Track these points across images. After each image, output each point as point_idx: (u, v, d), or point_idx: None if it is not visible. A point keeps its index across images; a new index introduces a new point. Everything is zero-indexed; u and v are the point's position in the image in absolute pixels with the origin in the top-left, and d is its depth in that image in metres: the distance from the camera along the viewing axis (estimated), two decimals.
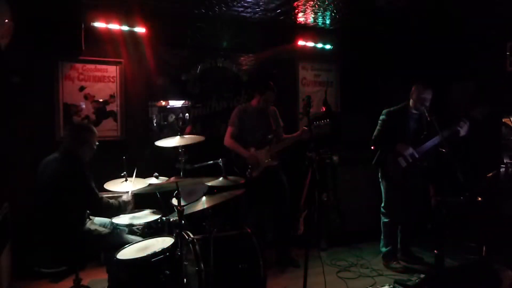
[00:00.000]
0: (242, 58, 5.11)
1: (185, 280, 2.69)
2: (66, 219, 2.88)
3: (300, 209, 4.40)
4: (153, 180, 3.42)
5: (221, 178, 3.12)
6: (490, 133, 4.55)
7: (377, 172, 4.03)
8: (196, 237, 2.96)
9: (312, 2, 4.33)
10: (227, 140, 4.05)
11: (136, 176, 3.35)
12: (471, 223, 4.23)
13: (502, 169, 4.38)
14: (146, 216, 3.38)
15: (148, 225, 3.25)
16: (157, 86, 4.67)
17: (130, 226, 3.18)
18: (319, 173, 3.58)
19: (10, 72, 3.85)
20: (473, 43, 4.85)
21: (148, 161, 3.67)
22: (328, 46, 5.47)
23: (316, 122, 3.99)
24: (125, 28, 4.40)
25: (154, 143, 3.26)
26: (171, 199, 3.03)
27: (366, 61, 5.41)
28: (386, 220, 4.02)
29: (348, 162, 4.78)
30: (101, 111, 4.45)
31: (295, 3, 4.35)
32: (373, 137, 3.95)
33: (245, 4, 4.36)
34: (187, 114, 4.81)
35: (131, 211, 3.50)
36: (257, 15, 4.73)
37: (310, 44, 5.36)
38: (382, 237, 4.08)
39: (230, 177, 3.17)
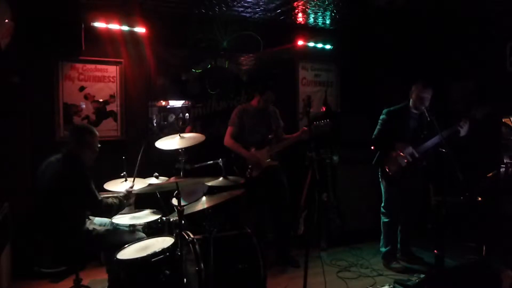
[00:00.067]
0: (242, 58, 5.11)
1: (185, 280, 2.69)
2: (66, 219, 2.89)
3: (300, 209, 4.40)
4: (153, 180, 3.43)
5: (221, 178, 3.12)
6: (490, 133, 4.55)
7: (377, 172, 4.03)
8: (196, 237, 2.96)
9: (312, 2, 4.33)
10: (227, 140, 4.05)
11: (136, 176, 3.35)
12: (471, 223, 4.23)
13: (502, 169, 4.38)
14: (146, 216, 3.38)
15: (148, 225, 3.25)
16: (157, 86, 4.67)
17: (130, 226, 3.18)
18: (319, 173, 3.57)
19: (10, 72, 3.86)
20: (473, 43, 4.85)
21: (147, 161, 3.67)
22: (328, 46, 5.47)
23: (316, 122, 3.99)
24: (125, 28, 4.40)
25: (154, 143, 3.25)
26: (171, 199, 3.03)
27: (366, 61, 5.41)
28: (386, 220, 4.02)
29: (348, 162, 4.79)
30: (101, 111, 4.45)
31: (295, 3, 4.35)
32: (373, 137, 3.95)
33: (245, 4, 4.36)
34: (187, 114, 4.81)
35: (131, 211, 3.51)
36: (257, 15, 4.73)
37: (310, 44, 5.36)
38: (382, 237, 4.08)
39: (230, 177, 3.17)
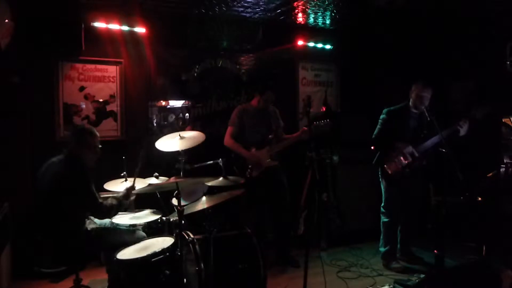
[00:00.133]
0: (242, 58, 5.11)
1: (185, 280, 2.69)
2: (66, 219, 2.89)
3: (300, 209, 4.40)
4: (153, 180, 3.43)
5: (221, 178, 3.12)
6: (490, 133, 4.55)
7: (377, 172, 4.03)
8: (196, 237, 2.96)
9: (312, 2, 4.33)
10: (227, 140, 4.05)
11: (137, 176, 3.35)
12: (471, 223, 4.23)
13: (502, 169, 4.38)
14: (146, 216, 3.38)
15: (148, 225, 3.25)
16: (157, 86, 4.67)
17: (131, 226, 3.18)
18: (319, 173, 3.57)
19: (10, 72, 3.86)
20: (473, 43, 4.85)
21: (147, 161, 3.67)
22: (328, 46, 5.47)
23: (316, 122, 3.99)
24: (125, 28, 4.40)
25: (154, 143, 3.26)
26: (171, 199, 3.04)
27: (366, 61, 5.41)
28: (385, 220, 4.02)
29: (348, 162, 4.78)
30: (101, 111, 4.45)
31: (295, 3, 4.35)
32: (373, 136, 3.96)
33: (245, 4, 4.36)
34: (187, 114, 4.81)
35: (131, 211, 3.51)
36: (257, 15, 4.73)
37: (310, 44, 5.36)
38: (381, 237, 4.08)
39: (230, 177, 3.17)
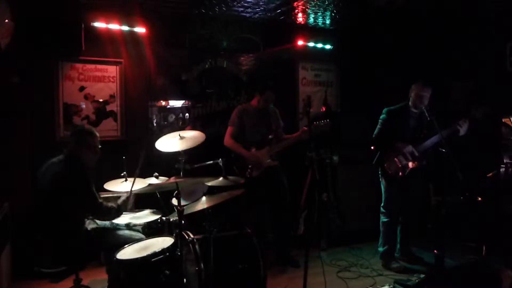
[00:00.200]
0: (242, 58, 5.11)
1: (185, 280, 2.69)
2: (66, 219, 2.89)
3: (300, 209, 4.40)
4: (153, 180, 3.42)
5: (221, 178, 3.12)
6: (490, 133, 4.55)
7: (377, 172, 4.03)
8: (196, 237, 2.96)
9: (312, 2, 4.33)
10: (227, 140, 4.05)
11: (137, 176, 3.35)
12: (471, 223, 4.23)
13: (502, 169, 4.38)
14: (146, 216, 3.38)
15: (148, 225, 3.25)
16: (157, 86, 4.67)
17: (130, 226, 3.18)
18: (319, 173, 3.58)
19: (10, 72, 3.85)
20: (473, 43, 4.85)
21: (147, 161, 3.67)
22: (328, 46, 5.47)
23: (316, 122, 3.99)
24: (125, 28, 4.40)
25: (154, 143, 3.26)
26: (171, 199, 3.03)
27: (366, 61, 5.41)
28: (385, 219, 4.02)
29: (348, 162, 4.78)
30: (101, 111, 4.45)
31: (295, 3, 4.35)
32: (373, 136, 3.96)
33: (245, 4, 4.36)
34: (187, 114, 4.81)
35: (131, 211, 3.51)
36: (257, 15, 4.73)
37: (310, 44, 5.36)
38: (380, 236, 4.08)
39: (230, 177, 3.17)
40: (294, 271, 3.94)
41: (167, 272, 2.66)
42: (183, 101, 4.82)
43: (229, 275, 2.95)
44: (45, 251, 3.53)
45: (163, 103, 4.75)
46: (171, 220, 3.22)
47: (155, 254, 2.63)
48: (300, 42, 5.27)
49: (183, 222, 2.69)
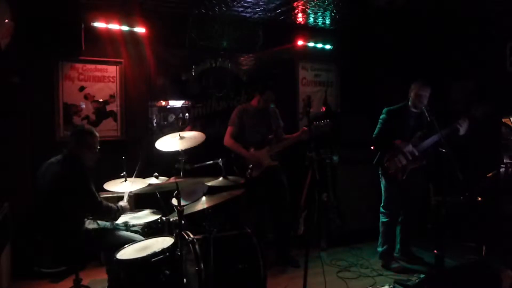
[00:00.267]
0: (242, 58, 5.11)
1: (185, 280, 2.69)
2: (66, 219, 2.89)
3: (300, 209, 4.40)
4: (153, 180, 3.42)
5: (221, 178, 3.12)
6: (490, 133, 4.55)
7: (377, 172, 4.03)
8: (196, 237, 2.96)
9: (312, 2, 4.33)
10: (227, 140, 4.05)
11: (136, 176, 3.35)
12: (471, 223, 4.23)
13: (502, 169, 4.38)
14: (146, 216, 3.38)
15: (148, 225, 3.25)
16: (157, 86, 4.67)
17: (129, 226, 3.18)
18: (319, 173, 3.58)
19: (10, 72, 3.85)
20: (473, 43, 4.85)
21: (147, 161, 3.68)
22: (328, 46, 5.47)
23: (316, 122, 3.99)
24: (125, 28, 4.40)
25: (154, 143, 3.26)
26: (171, 199, 3.03)
27: (366, 61, 5.41)
28: (385, 219, 4.02)
29: (348, 162, 4.78)
30: (101, 111, 4.45)
31: (295, 3, 4.35)
32: (373, 136, 3.96)
33: (245, 4, 4.36)
34: (187, 114, 4.81)
35: (131, 211, 3.51)
36: (257, 15, 4.73)
37: (310, 44, 5.36)
38: (379, 236, 4.08)
39: (230, 177, 3.17)
40: (294, 271, 3.94)
41: (167, 272, 2.66)
42: (183, 101, 4.82)
43: (229, 275, 2.95)
44: (45, 251, 3.53)
45: (163, 103, 4.75)
46: (171, 220, 3.22)
47: (155, 254, 2.63)
48: (300, 42, 5.27)
49: (183, 222, 2.69)
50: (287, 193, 4.13)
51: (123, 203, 3.20)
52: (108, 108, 4.48)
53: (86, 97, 4.38)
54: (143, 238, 3.03)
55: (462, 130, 3.63)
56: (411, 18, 4.77)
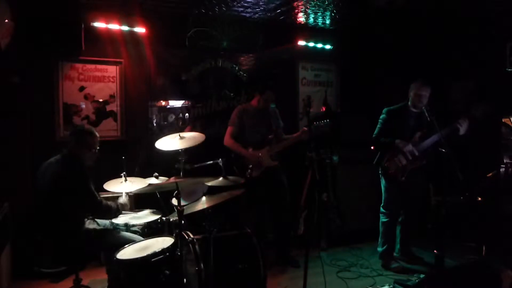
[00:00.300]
0: (242, 58, 5.11)
1: (185, 280, 2.69)
2: (66, 219, 2.89)
3: (300, 209, 4.40)
4: (153, 180, 3.43)
5: (221, 178, 3.12)
6: (490, 133, 4.55)
7: (377, 172, 4.03)
8: (196, 237, 2.96)
9: (312, 2, 4.33)
10: (227, 140, 4.05)
11: (136, 176, 3.35)
12: (471, 223, 4.23)
13: (502, 169, 4.39)
14: (146, 216, 3.38)
15: (148, 225, 3.25)
16: (157, 86, 4.67)
17: (129, 226, 3.18)
18: (319, 173, 3.57)
19: (10, 72, 3.85)
20: (473, 43, 4.85)
21: (147, 161, 3.69)
22: (328, 46, 5.47)
23: (316, 122, 3.99)
24: (125, 28, 4.39)
25: (154, 143, 3.26)
26: (171, 199, 3.04)
27: (366, 61, 5.41)
28: (385, 219, 4.02)
29: (348, 162, 4.78)
30: (101, 111, 4.45)
31: (295, 3, 4.35)
32: (373, 136, 3.97)
33: (245, 4, 4.36)
34: (187, 114, 4.81)
35: (131, 211, 3.51)
36: (257, 15, 4.73)
37: (310, 44, 5.36)
38: (379, 236, 4.08)
39: (230, 177, 3.17)
40: (294, 271, 3.94)
41: (167, 272, 2.66)
42: (183, 101, 4.82)
43: (229, 275, 2.95)
44: (45, 251, 3.53)
45: (163, 103, 4.75)
46: (171, 220, 3.22)
47: (155, 254, 2.63)
48: (300, 42, 5.27)
49: (183, 222, 2.69)
50: (287, 193, 4.13)
51: (122, 200, 3.19)
52: (108, 108, 4.48)
53: (86, 97, 4.38)
54: (142, 239, 3.03)
55: (462, 130, 3.63)
56: (411, 18, 4.77)
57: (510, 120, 4.45)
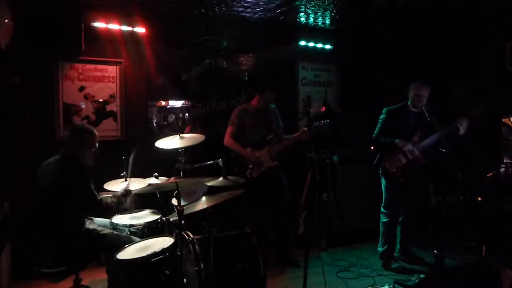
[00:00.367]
0: (242, 58, 5.10)
1: (185, 280, 2.69)
2: (66, 219, 2.89)
3: (300, 209, 4.40)
4: (153, 180, 3.43)
5: (221, 178, 3.12)
6: (490, 133, 4.55)
7: (377, 172, 4.03)
8: (196, 237, 2.96)
9: (312, 2, 4.33)
10: (227, 140, 4.05)
11: (136, 176, 3.35)
12: (471, 223, 4.23)
13: (502, 169, 4.39)
14: (146, 216, 3.38)
15: (148, 225, 3.25)
16: (157, 86, 4.67)
17: (129, 226, 3.18)
18: (319, 173, 3.58)
19: (10, 72, 3.85)
20: (473, 43, 4.85)
21: (147, 161, 3.68)
22: (328, 46, 5.47)
23: (316, 122, 3.99)
24: (125, 28, 4.39)
25: (154, 143, 3.26)
26: (171, 199, 3.04)
27: (366, 61, 5.41)
28: (385, 220, 4.02)
29: (348, 162, 4.78)
30: (101, 111, 4.45)
31: (295, 3, 4.35)
32: (373, 136, 3.97)
33: (245, 4, 4.36)
34: (187, 114, 4.81)
35: (131, 211, 3.51)
36: (257, 15, 4.73)
37: (310, 44, 5.36)
38: (380, 236, 4.08)
39: (230, 177, 3.17)
40: (294, 271, 3.94)
41: (167, 272, 2.66)
42: (183, 101, 4.82)
43: (229, 275, 2.95)
44: (45, 251, 3.52)
45: (163, 103, 4.75)
46: (171, 220, 3.22)
47: (155, 254, 2.64)
48: (300, 42, 5.27)
49: (183, 222, 2.69)
50: (287, 193, 4.13)
51: (122, 189, 3.16)
52: (108, 108, 4.48)
53: (86, 97, 4.39)
54: (140, 240, 3.02)
55: (462, 129, 3.63)
56: (411, 18, 4.77)
57: (510, 120, 4.45)
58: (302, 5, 4.41)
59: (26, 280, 3.74)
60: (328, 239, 4.57)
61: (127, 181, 3.27)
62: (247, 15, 4.72)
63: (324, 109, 5.29)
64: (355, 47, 5.43)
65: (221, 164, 3.17)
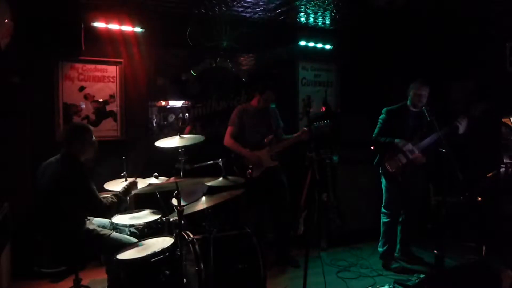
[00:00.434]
0: (242, 58, 5.10)
1: (185, 280, 2.69)
2: (66, 219, 2.89)
3: (300, 209, 4.40)
4: (153, 180, 3.43)
5: (221, 178, 3.12)
6: (490, 133, 4.55)
7: (377, 172, 4.03)
8: (196, 237, 2.96)
9: (312, 2, 4.33)
10: (227, 140, 4.05)
11: (136, 176, 3.35)
12: (471, 223, 4.23)
13: (502, 169, 4.39)
14: (146, 216, 3.39)
15: (148, 225, 3.25)
16: (157, 86, 4.67)
17: (129, 226, 3.18)
18: (319, 173, 3.58)
19: (10, 72, 3.86)
20: (473, 43, 4.85)
21: (147, 161, 3.69)
22: (328, 46, 5.46)
23: (316, 122, 3.99)
24: (125, 28, 4.39)
25: (154, 143, 3.26)
26: (171, 199, 3.04)
27: (366, 61, 5.41)
28: (386, 220, 4.02)
29: (348, 162, 4.78)
30: (101, 111, 4.45)
31: (295, 3, 4.35)
32: (373, 135, 3.97)
33: (245, 4, 4.36)
34: (187, 114, 4.81)
35: (131, 211, 3.51)
36: (257, 15, 4.73)
37: (310, 44, 5.36)
38: (380, 236, 4.08)
39: (230, 177, 3.17)
40: (294, 271, 3.94)
41: (167, 272, 2.66)
42: (183, 101, 4.82)
43: (229, 275, 2.95)
44: (45, 251, 3.52)
45: (163, 103, 4.75)
46: (171, 220, 3.23)
47: (155, 254, 2.64)
48: (300, 42, 5.27)
49: (183, 222, 2.69)
50: (287, 193, 4.13)
51: (126, 183, 3.15)
52: (108, 108, 4.48)
53: (86, 97, 4.38)
54: (140, 240, 3.02)
55: (462, 129, 3.63)
56: (411, 18, 4.77)
57: (510, 120, 4.45)
58: (302, 5, 4.41)
59: (26, 280, 3.74)
60: (328, 239, 4.57)
61: (133, 179, 3.26)
62: (247, 15, 4.72)
63: (324, 109, 5.29)
64: (355, 47, 5.43)
65: (221, 164, 3.18)
